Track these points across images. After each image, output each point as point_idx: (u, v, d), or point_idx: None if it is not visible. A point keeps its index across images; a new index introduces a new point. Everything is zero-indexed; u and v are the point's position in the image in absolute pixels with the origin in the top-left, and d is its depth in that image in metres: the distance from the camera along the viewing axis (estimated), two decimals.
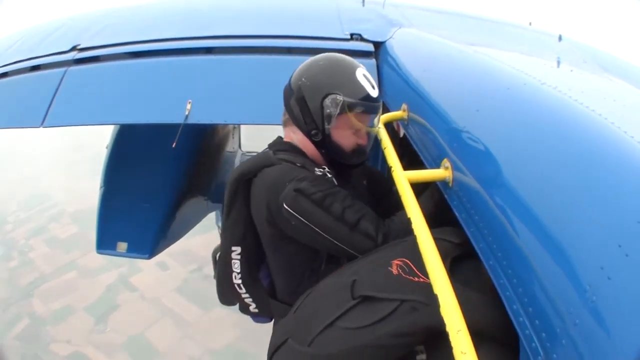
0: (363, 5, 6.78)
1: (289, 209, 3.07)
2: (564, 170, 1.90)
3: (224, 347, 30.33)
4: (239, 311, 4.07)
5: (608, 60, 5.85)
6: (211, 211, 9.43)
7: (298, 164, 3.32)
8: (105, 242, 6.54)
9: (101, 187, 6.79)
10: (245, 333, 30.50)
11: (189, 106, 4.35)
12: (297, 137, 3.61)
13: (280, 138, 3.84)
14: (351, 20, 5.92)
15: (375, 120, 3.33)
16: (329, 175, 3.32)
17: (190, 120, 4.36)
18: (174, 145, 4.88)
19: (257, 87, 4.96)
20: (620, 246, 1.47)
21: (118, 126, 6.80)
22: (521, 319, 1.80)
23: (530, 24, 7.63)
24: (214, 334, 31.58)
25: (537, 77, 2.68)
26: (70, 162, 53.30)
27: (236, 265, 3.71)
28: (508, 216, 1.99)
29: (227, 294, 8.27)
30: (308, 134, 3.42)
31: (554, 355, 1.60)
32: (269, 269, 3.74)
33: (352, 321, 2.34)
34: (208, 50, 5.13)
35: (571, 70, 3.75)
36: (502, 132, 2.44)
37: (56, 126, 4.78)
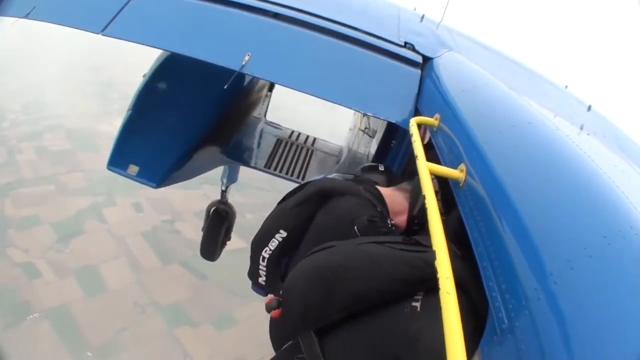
0: (421, 21, 7.11)
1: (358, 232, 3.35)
2: (556, 193, 2.48)
3: (170, 304, 30.48)
4: (247, 277, 4.05)
5: (627, 143, 5.98)
6: (223, 164, 9.36)
7: (378, 209, 3.65)
8: (118, 161, 6.52)
9: (128, 110, 6.72)
10: (194, 297, 30.68)
11: (247, 58, 4.49)
12: (394, 195, 3.99)
13: (370, 174, 4.24)
14: (408, 31, 6.14)
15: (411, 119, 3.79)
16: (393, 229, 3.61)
17: (245, 71, 4.48)
18: (225, 87, 5.11)
19: (309, 60, 5.18)
20: (585, 249, 2.00)
21: (162, 58, 6.82)
22: (494, 293, 2.16)
23: (566, 87, 7.80)
24: (164, 288, 31.58)
25: (553, 124, 3.27)
26: (82, 80, 52.80)
27: (273, 244, 3.72)
28: (500, 215, 2.44)
29: (210, 249, 8.92)
30: (411, 211, 3.87)
31: (516, 323, 1.94)
32: (289, 260, 3.83)
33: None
34: (275, 15, 5.29)
35: (587, 134, 4.05)
36: (512, 155, 2.93)
37: (115, 37, 4.64)
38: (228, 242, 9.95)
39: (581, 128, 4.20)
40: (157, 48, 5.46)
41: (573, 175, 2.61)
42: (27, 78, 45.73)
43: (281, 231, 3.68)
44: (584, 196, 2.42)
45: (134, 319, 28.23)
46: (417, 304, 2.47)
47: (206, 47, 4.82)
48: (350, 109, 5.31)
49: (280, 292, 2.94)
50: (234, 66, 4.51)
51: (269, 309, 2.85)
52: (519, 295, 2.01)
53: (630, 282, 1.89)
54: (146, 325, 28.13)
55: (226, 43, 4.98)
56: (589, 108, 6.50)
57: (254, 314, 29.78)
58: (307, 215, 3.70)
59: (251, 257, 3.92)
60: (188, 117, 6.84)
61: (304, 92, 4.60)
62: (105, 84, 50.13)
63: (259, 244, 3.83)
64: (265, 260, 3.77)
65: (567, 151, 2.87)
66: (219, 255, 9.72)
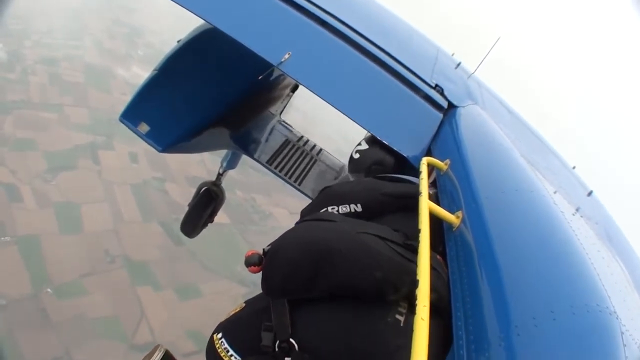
0: (456, 68, 7.13)
1: None
2: (538, 261, 2.59)
3: (140, 260, 30.52)
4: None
5: (617, 235, 5.92)
6: (228, 149, 8.86)
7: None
8: (131, 115, 6.03)
9: (154, 70, 6.21)
10: (165, 260, 30.63)
11: (287, 56, 4.50)
12: None
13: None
14: (441, 74, 6.18)
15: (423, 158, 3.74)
16: None
17: (282, 67, 4.48)
18: (260, 78, 5.30)
19: (343, 75, 5.20)
20: (552, 312, 2.12)
21: (202, 30, 6.52)
22: (460, 332, 2.27)
23: (574, 167, 7.64)
24: (138, 244, 31.58)
25: (552, 199, 3.40)
26: (112, 18, 52.84)
27: (344, 209, 3.47)
28: (483, 266, 2.57)
29: (191, 226, 8.62)
30: None
31: None
32: None
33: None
34: (323, 23, 5.30)
35: (581, 217, 4.18)
36: (507, 217, 3.07)
37: None
38: (211, 223, 9.38)
39: (577, 210, 4.29)
40: (205, 20, 5.16)
41: (558, 250, 2.74)
42: (60, 2, 45.66)
43: (359, 205, 3.46)
44: (562, 270, 2.55)
45: (101, 267, 28.30)
46: (401, 319, 2.43)
47: (252, 34, 4.72)
48: (368, 130, 4.97)
49: (265, 248, 2.78)
50: (273, 60, 4.43)
51: (248, 262, 2.68)
52: (483, 338, 2.14)
53: (586, 348, 2.07)
54: (111, 276, 28.20)
55: (271, 36, 4.96)
56: (590, 193, 6.54)
57: (220, 292, 30.41)
58: (387, 208, 3.45)
59: (315, 202, 3.71)
60: (210, 94, 6.61)
61: (329, 103, 4.54)
62: (133, 27, 50.31)
63: (332, 197, 3.63)
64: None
65: (558, 227, 2.99)
66: (198, 234, 9.04)
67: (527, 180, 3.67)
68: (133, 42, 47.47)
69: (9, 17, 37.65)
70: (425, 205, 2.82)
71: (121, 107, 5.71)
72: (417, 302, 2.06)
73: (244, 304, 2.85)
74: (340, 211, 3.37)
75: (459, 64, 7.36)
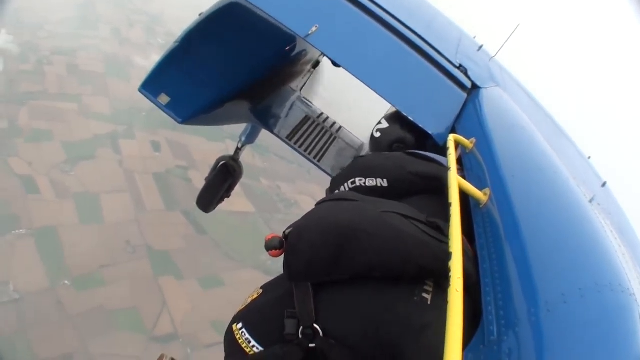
0: (478, 50, 7.48)
1: None
2: (564, 237, 2.75)
3: (162, 250, 30.23)
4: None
5: (627, 229, 5.86)
6: (248, 122, 9.11)
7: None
8: (151, 86, 6.20)
9: (175, 42, 6.45)
10: (187, 250, 30.48)
11: (314, 29, 4.62)
12: None
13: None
14: (465, 55, 6.42)
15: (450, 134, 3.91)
16: None
17: (309, 40, 4.60)
18: (287, 49, 5.66)
19: (369, 50, 5.33)
20: (580, 289, 2.21)
21: (225, 3, 6.63)
22: (490, 307, 2.33)
23: (589, 157, 7.83)
24: (161, 233, 31.33)
25: (573, 179, 3.65)
26: (132, 7, 52.90)
27: (370, 182, 3.50)
28: (511, 242, 2.66)
29: (207, 201, 8.82)
30: None
31: (504, 338, 2.12)
32: None
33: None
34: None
35: (599, 204, 4.17)
36: (532, 194, 3.23)
37: None
38: (228, 198, 9.65)
39: (591, 200, 4.08)
40: None
41: (582, 228, 2.90)
42: None
43: (385, 180, 3.50)
44: (586, 248, 2.69)
45: (121, 257, 28.11)
46: (428, 297, 2.47)
47: (279, 6, 4.88)
48: (394, 106, 5.09)
49: (286, 232, 2.78)
50: (301, 33, 4.63)
51: (269, 246, 2.72)
52: (513, 314, 2.20)
53: (611, 327, 2.15)
54: (132, 266, 27.99)
55: (298, 8, 5.12)
56: (604, 184, 6.64)
57: (243, 282, 30.12)
58: (413, 188, 3.50)
59: (345, 172, 3.78)
60: (232, 67, 6.76)
61: (355, 77, 4.67)
62: (153, 15, 50.27)
63: (361, 168, 3.69)
64: (352, 185, 3.59)
65: (581, 207, 3.19)
66: (214, 209, 9.39)
67: (551, 161, 3.86)
68: (153, 30, 47.66)
69: (19, 10, 37.84)
70: (455, 180, 2.96)
71: (142, 97, 5.82)
72: (452, 274, 2.15)
73: (261, 290, 2.84)
74: (366, 183, 3.46)
75: (481, 47, 7.65)
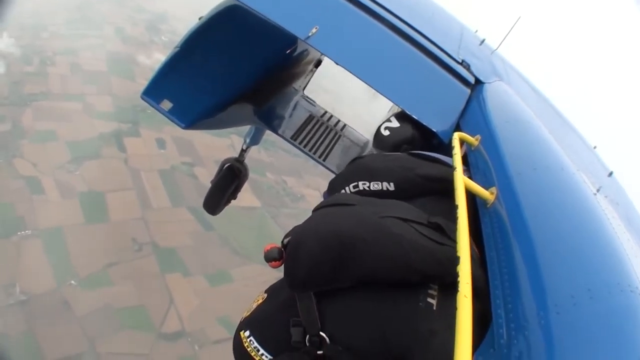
0: (480, 44, 7.37)
1: None
2: (572, 237, 2.69)
3: (169, 247, 30.57)
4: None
5: (635, 219, 5.72)
6: (252, 124, 9.10)
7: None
8: (153, 92, 6.26)
9: (176, 47, 6.38)
10: (194, 246, 30.57)
11: (314, 30, 4.61)
12: None
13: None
14: (467, 50, 6.35)
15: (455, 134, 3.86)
16: None
17: (310, 42, 4.61)
18: (288, 52, 5.60)
19: (370, 49, 5.31)
20: (589, 290, 2.18)
21: (224, 6, 6.49)
22: (499, 310, 2.31)
23: (595, 147, 7.89)
24: (167, 230, 31.60)
25: (580, 176, 3.55)
26: (134, 6, 52.89)
27: (376, 186, 3.41)
28: (519, 243, 2.61)
29: (214, 203, 8.89)
30: None
31: (514, 341, 2.09)
32: None
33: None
34: None
35: (605, 197, 4.20)
36: (540, 193, 3.16)
37: None
38: (234, 200, 9.80)
39: (599, 190, 4.17)
40: None
41: (590, 228, 2.83)
42: None
43: (392, 184, 3.41)
44: (595, 248, 2.63)
45: (128, 255, 28.29)
46: (434, 302, 2.44)
47: (278, 10, 4.88)
48: (397, 105, 5.12)
49: (284, 241, 2.71)
50: (301, 35, 4.65)
51: (268, 258, 2.66)
52: (522, 317, 2.17)
53: (621, 328, 2.14)
54: (138, 264, 28.16)
55: (297, 10, 5.09)
56: (610, 174, 6.52)
57: (251, 277, 30.44)
58: (420, 190, 3.39)
59: (345, 174, 3.69)
60: (234, 70, 6.75)
61: (357, 77, 4.66)
62: (156, 13, 50.13)
63: (364, 171, 3.57)
64: (355, 189, 3.47)
65: (589, 206, 3.11)
66: (221, 211, 9.47)
67: (557, 157, 3.77)
68: (156, 28, 47.70)
69: (21, 12, 37.89)
70: (461, 181, 2.92)
71: None
72: (460, 279, 2.12)
73: (265, 294, 2.80)
74: (371, 187, 3.35)
75: (483, 41, 7.54)
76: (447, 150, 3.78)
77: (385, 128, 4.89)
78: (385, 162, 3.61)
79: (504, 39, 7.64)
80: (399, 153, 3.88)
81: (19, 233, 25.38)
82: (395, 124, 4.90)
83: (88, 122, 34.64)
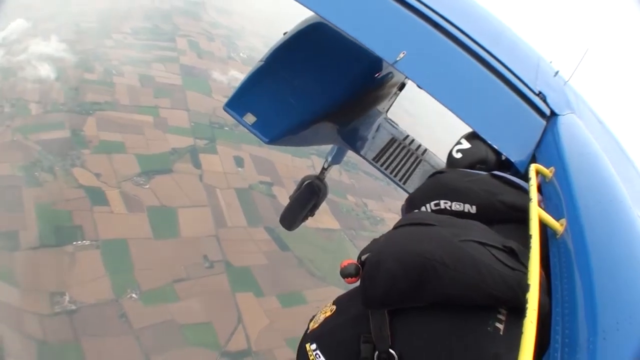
0: (555, 75, 7.26)
1: None
2: (629, 271, 2.75)
3: (242, 266, 29.95)
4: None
5: None
6: (334, 144, 8.92)
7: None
8: (237, 105, 6.14)
9: (260, 61, 6.27)
10: (269, 266, 30.17)
11: (402, 55, 4.63)
12: None
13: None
14: (543, 81, 6.27)
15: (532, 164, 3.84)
16: None
17: (397, 66, 4.60)
18: (376, 76, 6.02)
19: (454, 76, 5.31)
20: (630, 317, 2.28)
21: (310, 22, 6.61)
22: (557, 336, 2.33)
23: None
24: (241, 250, 31.02)
25: (637, 210, 3.54)
26: (209, 21, 53.84)
27: (457, 206, 3.26)
28: (581, 274, 2.62)
29: (291, 219, 8.87)
30: None
31: None
32: None
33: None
34: (435, 25, 5.42)
35: None
36: (604, 226, 3.18)
37: None
38: (312, 217, 9.50)
39: None
40: (324, 18, 5.36)
41: None
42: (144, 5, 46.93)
43: (474, 207, 3.29)
44: None
45: (197, 272, 27.91)
46: (501, 327, 2.34)
47: (367, 31, 4.94)
48: (477, 132, 4.85)
49: (362, 257, 2.59)
50: (389, 59, 4.55)
51: (344, 273, 2.50)
52: (575, 341, 2.24)
53: None
54: (208, 282, 27.73)
55: (386, 34, 5.16)
56: None
57: (326, 299, 28.50)
58: (499, 217, 3.22)
59: (426, 191, 3.55)
60: (321, 88, 6.60)
61: (442, 103, 4.58)
62: (233, 29, 51.42)
63: (447, 191, 3.43)
64: (436, 207, 3.32)
65: None
66: (297, 227, 9.39)
67: (619, 191, 3.78)
68: (233, 44, 48.90)
69: (76, 15, 38.35)
70: (536, 212, 2.91)
71: (223, 111, 5.63)
72: (528, 305, 2.15)
73: (334, 307, 2.69)
74: (453, 208, 3.30)
75: (557, 72, 7.47)
76: (521, 176, 3.81)
77: (457, 151, 4.78)
78: (467, 182, 3.55)
79: (574, 70, 7.44)
80: (481, 173, 3.75)
81: (74, 243, 25.34)
82: (466, 145, 4.80)
83: (160, 135, 34.96)
